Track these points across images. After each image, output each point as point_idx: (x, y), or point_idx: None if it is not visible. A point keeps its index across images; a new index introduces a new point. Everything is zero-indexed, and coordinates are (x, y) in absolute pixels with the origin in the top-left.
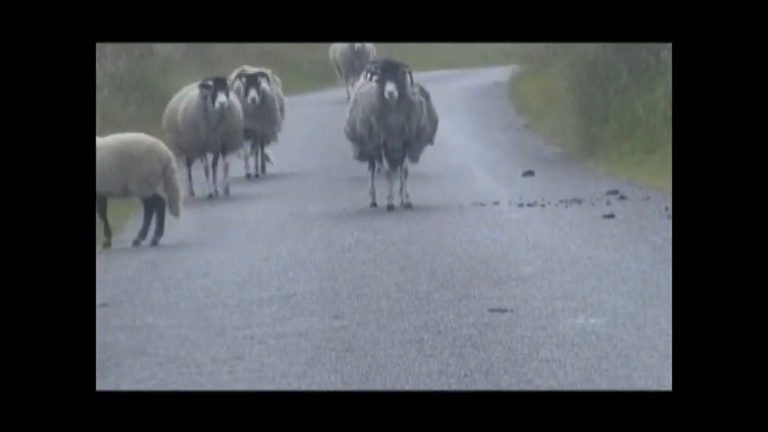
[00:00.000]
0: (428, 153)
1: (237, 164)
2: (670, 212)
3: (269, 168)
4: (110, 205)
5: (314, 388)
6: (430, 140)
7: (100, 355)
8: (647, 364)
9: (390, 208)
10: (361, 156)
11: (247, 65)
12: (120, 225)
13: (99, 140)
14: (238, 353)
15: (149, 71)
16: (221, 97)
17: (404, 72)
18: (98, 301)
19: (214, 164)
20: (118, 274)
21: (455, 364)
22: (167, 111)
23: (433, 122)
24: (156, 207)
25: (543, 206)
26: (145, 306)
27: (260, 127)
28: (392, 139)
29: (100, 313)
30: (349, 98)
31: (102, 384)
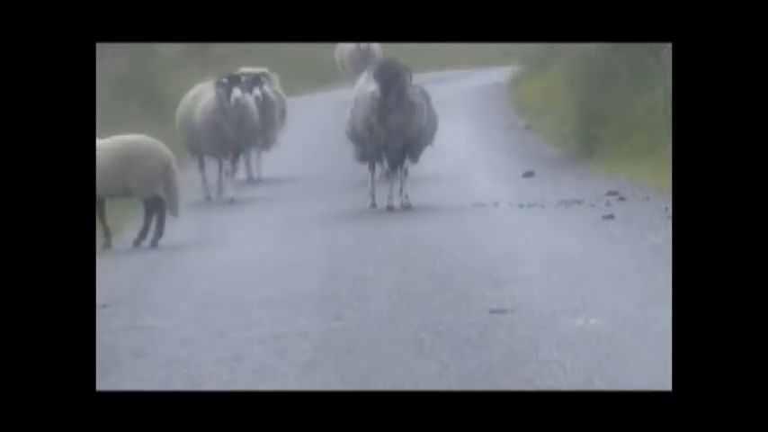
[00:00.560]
0: (428, 154)
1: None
2: (670, 213)
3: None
4: (110, 206)
5: (314, 389)
6: (430, 141)
7: (100, 356)
8: (647, 365)
9: (390, 209)
10: (362, 157)
11: (247, 65)
12: (120, 226)
13: (99, 142)
14: (238, 353)
15: (150, 71)
16: (236, 92)
17: (398, 73)
18: (98, 301)
19: (234, 162)
20: (118, 274)
21: (455, 364)
22: (181, 112)
23: (433, 123)
24: (156, 208)
25: (543, 207)
26: (145, 307)
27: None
28: (393, 139)
29: (100, 314)
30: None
31: (102, 385)
